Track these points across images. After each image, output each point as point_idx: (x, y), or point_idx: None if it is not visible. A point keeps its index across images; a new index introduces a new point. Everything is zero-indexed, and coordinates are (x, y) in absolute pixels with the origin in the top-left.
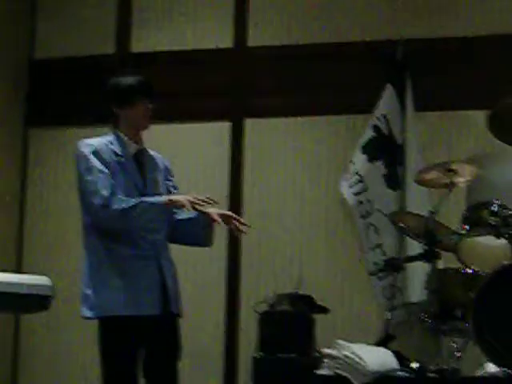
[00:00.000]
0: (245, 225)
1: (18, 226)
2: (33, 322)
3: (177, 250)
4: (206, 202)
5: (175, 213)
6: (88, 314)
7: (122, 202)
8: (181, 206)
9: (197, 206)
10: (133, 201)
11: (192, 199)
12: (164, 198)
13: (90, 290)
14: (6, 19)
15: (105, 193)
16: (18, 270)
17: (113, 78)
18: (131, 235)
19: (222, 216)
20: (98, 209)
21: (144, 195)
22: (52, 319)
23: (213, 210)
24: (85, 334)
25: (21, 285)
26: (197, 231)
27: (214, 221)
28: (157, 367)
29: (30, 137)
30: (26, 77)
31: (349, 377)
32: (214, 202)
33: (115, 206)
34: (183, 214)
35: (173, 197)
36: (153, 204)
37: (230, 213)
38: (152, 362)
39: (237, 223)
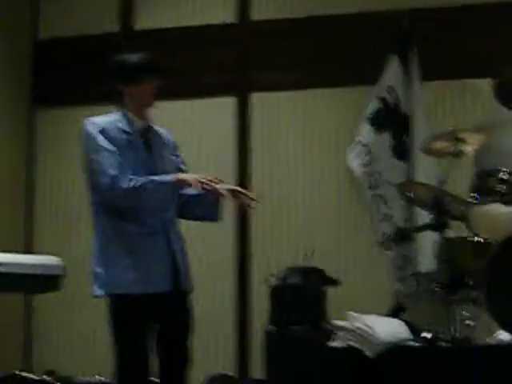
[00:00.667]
0: (253, 199)
1: (27, 207)
2: (44, 302)
3: (186, 227)
4: (214, 182)
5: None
6: (98, 292)
7: (130, 181)
8: (189, 185)
9: (205, 186)
10: (141, 180)
11: (200, 179)
12: (172, 177)
13: (100, 268)
14: (8, 0)
15: (112, 172)
16: (29, 251)
17: (118, 56)
18: (140, 213)
19: (230, 191)
20: (105, 188)
21: (152, 172)
22: (63, 298)
23: (220, 186)
24: (96, 314)
25: (33, 265)
26: (205, 206)
27: (222, 196)
28: (169, 344)
29: (37, 117)
30: (31, 57)
31: (361, 348)
32: (222, 182)
33: (123, 185)
34: (191, 190)
35: (181, 176)
36: (161, 183)
37: (237, 187)
38: (164, 339)
39: (245, 198)
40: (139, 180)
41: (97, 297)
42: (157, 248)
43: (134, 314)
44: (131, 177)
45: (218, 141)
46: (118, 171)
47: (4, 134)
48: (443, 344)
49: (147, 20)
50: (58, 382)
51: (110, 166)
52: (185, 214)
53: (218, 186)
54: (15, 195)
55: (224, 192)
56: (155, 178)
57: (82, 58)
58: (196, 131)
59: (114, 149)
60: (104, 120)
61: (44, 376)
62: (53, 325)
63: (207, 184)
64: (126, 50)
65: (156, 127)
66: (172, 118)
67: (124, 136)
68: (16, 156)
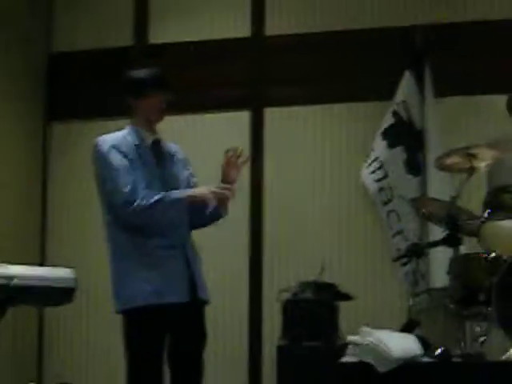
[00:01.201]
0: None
1: (41, 219)
2: (57, 314)
3: (201, 239)
4: (226, 194)
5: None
6: (119, 307)
7: (143, 199)
8: (202, 203)
9: (220, 198)
10: (155, 198)
11: (215, 192)
12: (185, 194)
13: (119, 283)
14: (23, 13)
15: (125, 190)
16: (42, 262)
17: (129, 71)
18: (155, 228)
19: (226, 166)
20: (119, 207)
21: (164, 186)
22: (77, 310)
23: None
24: (110, 326)
25: (45, 278)
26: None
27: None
28: (182, 355)
29: (51, 130)
30: (45, 70)
31: (373, 363)
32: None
33: (136, 204)
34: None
35: (194, 192)
36: (175, 200)
37: (222, 186)
38: (178, 350)
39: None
40: (151, 198)
41: (118, 313)
42: (174, 261)
43: (152, 327)
44: (143, 194)
45: None
46: (131, 189)
47: (19, 147)
48: (456, 360)
49: (162, 34)
50: None
51: (122, 184)
52: (198, 223)
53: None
54: (31, 208)
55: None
56: (167, 194)
57: (97, 71)
58: (209, 145)
59: (127, 164)
60: (114, 137)
61: None
62: (66, 337)
63: (221, 195)
64: (140, 64)
65: (166, 142)
66: (185, 132)
67: (135, 150)
68: (31, 169)
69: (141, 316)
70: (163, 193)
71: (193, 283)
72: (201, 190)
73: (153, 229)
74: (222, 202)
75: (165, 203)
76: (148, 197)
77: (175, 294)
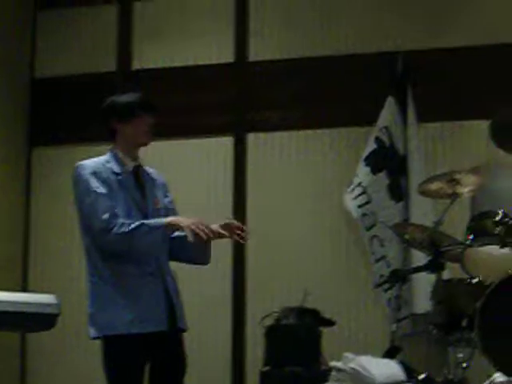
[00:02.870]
0: (246, 232)
1: (23, 243)
2: (39, 340)
3: (184, 264)
4: (207, 233)
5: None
6: (95, 334)
7: (122, 226)
8: (180, 228)
9: (197, 232)
10: (133, 225)
11: (194, 227)
12: (164, 221)
13: (96, 309)
14: (6, 38)
15: (104, 217)
16: (24, 287)
17: (112, 96)
18: (133, 256)
19: (224, 227)
20: (97, 233)
21: (145, 212)
22: (58, 335)
23: (215, 226)
24: (91, 353)
25: (27, 304)
26: (193, 249)
27: (215, 237)
28: (164, 382)
29: (34, 155)
30: (28, 96)
31: None
32: (214, 234)
33: (114, 231)
34: (179, 233)
35: (173, 220)
36: (152, 228)
37: (230, 221)
38: (159, 377)
39: (239, 231)
40: (131, 225)
41: (94, 339)
42: (152, 288)
43: (130, 355)
44: (122, 221)
45: (214, 180)
46: (110, 215)
47: (1, 172)
48: None
49: (145, 59)
50: None
51: (101, 209)
52: (173, 256)
53: (212, 227)
54: (13, 234)
55: (217, 230)
56: (146, 222)
57: (79, 97)
58: (192, 170)
59: (106, 191)
60: (94, 162)
61: None
62: (48, 362)
63: (199, 230)
64: (122, 89)
65: (146, 167)
66: (168, 157)
67: (115, 177)
68: (13, 193)
69: (120, 344)
70: (141, 221)
71: (172, 312)
72: (179, 219)
73: (131, 256)
74: (200, 239)
75: (142, 231)
76: (126, 224)
77: (154, 323)
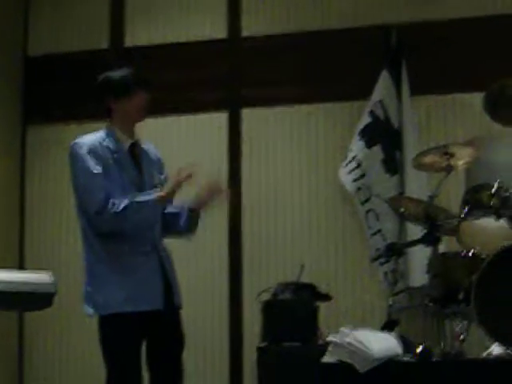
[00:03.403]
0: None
1: (19, 222)
2: (37, 318)
3: (179, 240)
4: (189, 176)
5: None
6: (90, 311)
7: (114, 205)
8: (172, 196)
9: (185, 182)
10: (123, 203)
11: (178, 181)
12: (154, 195)
13: (92, 288)
14: None
15: (98, 198)
16: (21, 265)
17: (106, 72)
18: (127, 233)
19: (211, 190)
20: (91, 214)
21: (142, 188)
22: (55, 313)
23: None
24: (88, 330)
25: (23, 283)
26: (181, 222)
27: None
28: (162, 359)
29: (28, 134)
30: (22, 74)
31: (353, 363)
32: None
33: (107, 211)
34: (169, 208)
35: (161, 193)
36: (143, 203)
37: (213, 181)
38: (157, 355)
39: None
40: (121, 203)
41: (90, 316)
42: (148, 266)
43: (126, 333)
44: (114, 201)
45: (208, 156)
46: (104, 195)
47: None
48: (435, 359)
49: (137, 36)
50: None
51: (96, 191)
52: (164, 231)
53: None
54: (8, 212)
55: (206, 198)
56: (137, 198)
57: (73, 74)
58: (186, 147)
59: (101, 170)
60: (91, 139)
61: None
62: (46, 340)
63: (186, 180)
64: (115, 67)
65: (143, 144)
66: (162, 134)
67: (111, 155)
68: (8, 172)
69: (116, 322)
70: (130, 196)
71: (168, 289)
72: (166, 188)
73: (125, 233)
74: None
75: (133, 207)
76: (117, 204)
77: (149, 302)
